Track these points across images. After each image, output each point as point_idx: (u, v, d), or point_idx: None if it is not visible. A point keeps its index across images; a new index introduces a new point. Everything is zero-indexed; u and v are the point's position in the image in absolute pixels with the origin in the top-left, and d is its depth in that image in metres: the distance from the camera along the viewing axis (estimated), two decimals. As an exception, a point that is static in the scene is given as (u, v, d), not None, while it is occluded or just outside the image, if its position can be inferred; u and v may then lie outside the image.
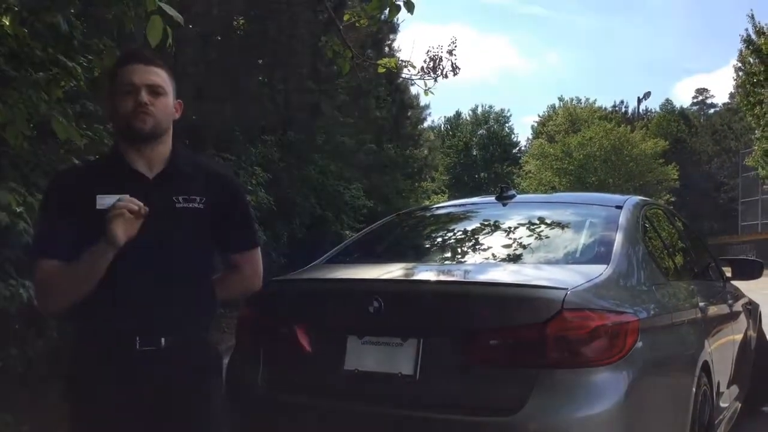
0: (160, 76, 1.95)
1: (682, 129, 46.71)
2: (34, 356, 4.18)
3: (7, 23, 3.26)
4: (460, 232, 3.43)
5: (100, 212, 1.83)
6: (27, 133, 3.45)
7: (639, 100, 45.64)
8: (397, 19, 12.35)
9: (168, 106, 1.97)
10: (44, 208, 2.02)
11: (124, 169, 1.94)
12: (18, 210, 3.30)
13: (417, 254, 3.30)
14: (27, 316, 3.98)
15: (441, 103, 62.12)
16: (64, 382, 2.00)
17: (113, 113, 1.95)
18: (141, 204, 1.82)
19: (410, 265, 2.95)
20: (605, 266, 2.60)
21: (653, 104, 53.18)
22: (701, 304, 3.28)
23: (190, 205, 1.95)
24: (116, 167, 1.95)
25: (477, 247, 3.15)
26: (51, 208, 1.97)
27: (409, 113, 17.79)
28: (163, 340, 1.88)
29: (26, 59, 3.56)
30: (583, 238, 3.01)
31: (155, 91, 1.93)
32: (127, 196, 1.83)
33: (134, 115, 1.89)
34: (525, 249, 2.96)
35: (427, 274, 2.86)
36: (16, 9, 3.22)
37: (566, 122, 39.94)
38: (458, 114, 52.68)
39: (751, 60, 22.66)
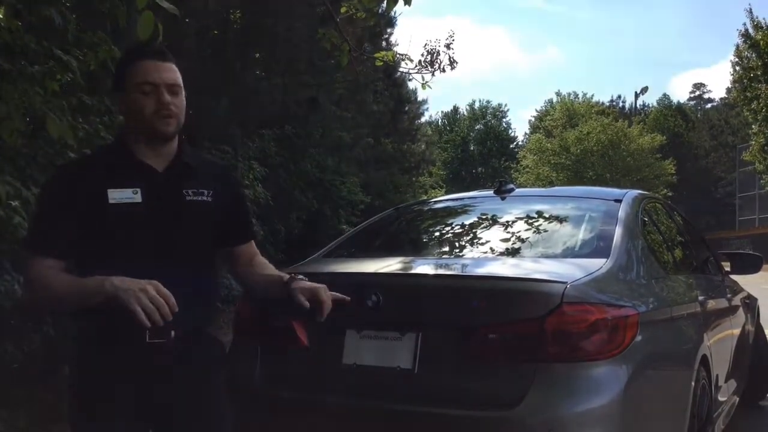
0: (177, 74, 1.91)
1: (680, 124, 46.77)
2: (30, 352, 4.17)
3: (1, 15, 3.22)
4: (459, 226, 3.41)
5: (109, 207, 1.80)
6: (22, 129, 3.43)
7: (636, 95, 45.74)
8: (395, 13, 12.34)
9: (184, 102, 1.94)
10: (43, 203, 1.95)
11: (134, 162, 1.90)
12: (13, 204, 3.28)
13: (415, 248, 3.28)
14: (23, 311, 3.96)
15: (438, 98, 62.30)
16: (69, 372, 1.97)
17: (129, 109, 1.89)
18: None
19: (409, 258, 2.94)
20: (605, 260, 2.58)
21: (650, 99, 53.12)
22: (700, 298, 3.27)
23: (199, 198, 1.93)
24: (125, 160, 1.91)
25: (476, 241, 3.14)
26: (51, 202, 1.89)
27: (407, 108, 17.78)
28: (173, 332, 1.85)
29: (21, 53, 3.52)
30: (582, 232, 3.00)
31: (174, 90, 1.88)
32: (139, 193, 1.82)
33: (157, 116, 1.85)
34: (524, 243, 2.94)
35: (425, 268, 2.85)
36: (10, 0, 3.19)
37: (563, 117, 39.86)
38: (456, 109, 52.73)
39: (749, 55, 22.66)
